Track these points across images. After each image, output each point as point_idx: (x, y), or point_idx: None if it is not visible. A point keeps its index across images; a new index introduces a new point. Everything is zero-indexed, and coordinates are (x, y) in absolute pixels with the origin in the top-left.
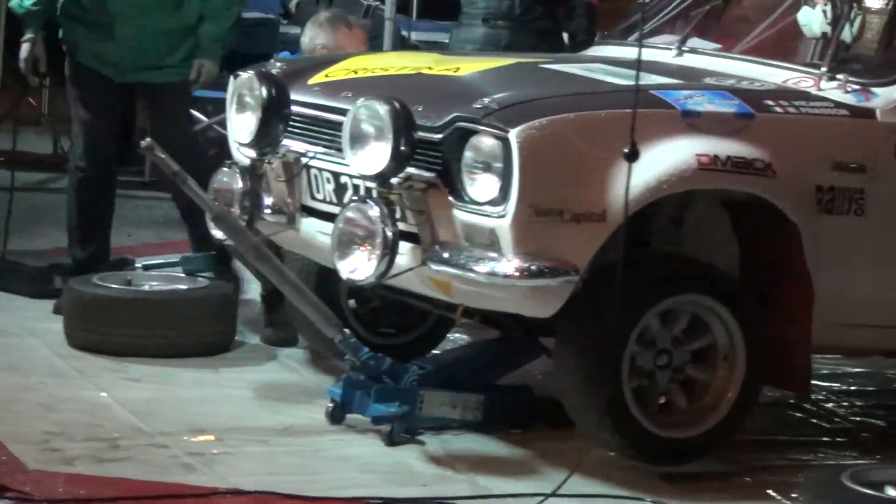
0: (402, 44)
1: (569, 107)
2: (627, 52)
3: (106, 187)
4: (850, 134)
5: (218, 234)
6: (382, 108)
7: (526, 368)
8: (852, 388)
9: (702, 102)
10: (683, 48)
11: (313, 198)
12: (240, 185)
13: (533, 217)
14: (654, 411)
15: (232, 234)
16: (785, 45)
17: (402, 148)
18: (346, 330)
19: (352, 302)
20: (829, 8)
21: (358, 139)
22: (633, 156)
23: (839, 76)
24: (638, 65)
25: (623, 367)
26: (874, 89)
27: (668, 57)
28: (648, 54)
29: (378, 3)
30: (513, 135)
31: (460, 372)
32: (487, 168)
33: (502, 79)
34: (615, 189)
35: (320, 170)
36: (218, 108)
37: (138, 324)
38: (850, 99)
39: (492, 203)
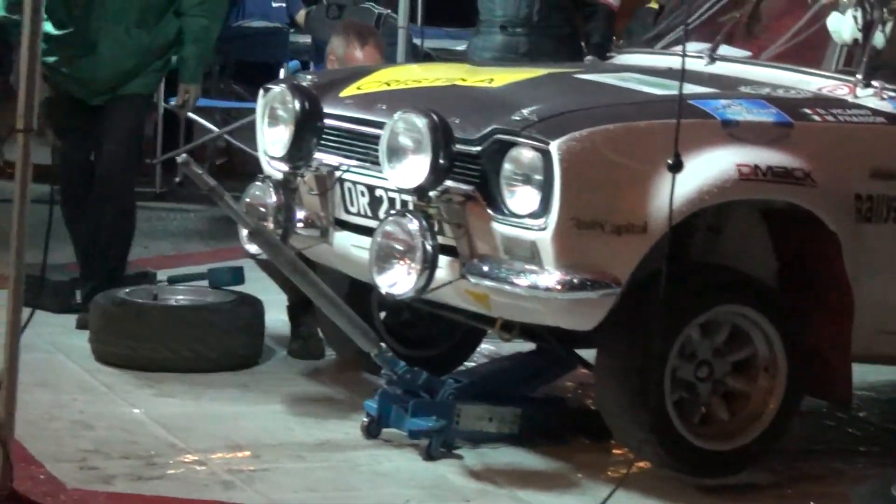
0: (413, 52)
1: (608, 118)
2: (656, 60)
3: (79, 215)
4: (888, 142)
5: (251, 248)
6: (421, 121)
7: (560, 380)
8: (884, 396)
9: (740, 112)
10: (715, 56)
11: (347, 211)
12: (273, 199)
13: (574, 229)
14: (695, 423)
15: (268, 249)
16: (813, 51)
17: (441, 161)
18: (382, 344)
19: (382, 315)
20: (859, 14)
21: (396, 152)
22: (676, 167)
23: (875, 83)
24: (682, 74)
25: (665, 380)
26: None
27: (699, 65)
28: (679, 62)
29: (390, 11)
30: (553, 147)
31: (496, 385)
32: (527, 180)
33: (537, 90)
34: (656, 200)
35: (354, 183)
36: (224, 116)
37: (167, 338)
38: (886, 106)
39: (532, 216)
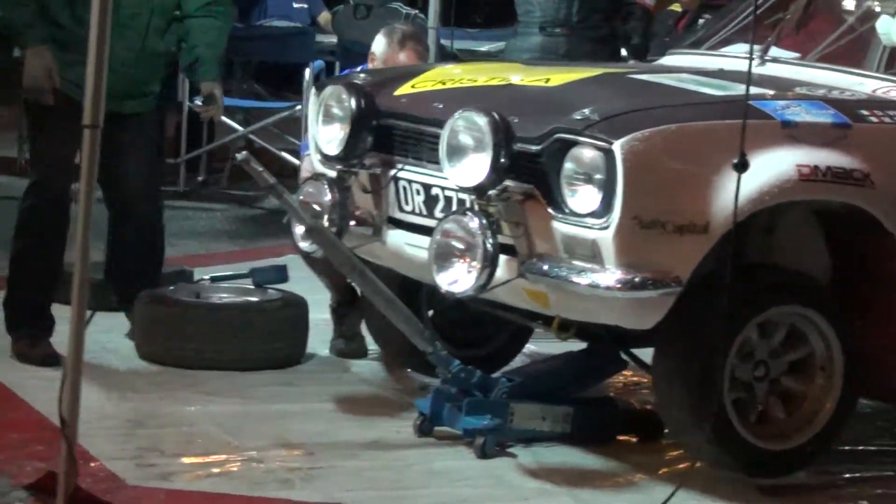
0: (441, 53)
1: (670, 118)
2: (707, 61)
3: (61, 221)
4: None
5: (305, 245)
6: (482, 120)
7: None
8: None
9: (799, 113)
10: (765, 57)
11: (401, 210)
12: (328, 196)
13: (637, 229)
14: (753, 423)
15: (326, 247)
16: (856, 54)
17: (502, 160)
18: (437, 343)
19: (430, 313)
20: None
21: (456, 151)
22: (742, 167)
23: None
24: (749, 77)
25: (724, 380)
26: None
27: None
28: (731, 64)
29: (417, 11)
30: (617, 146)
31: (549, 385)
32: (588, 179)
33: (595, 90)
34: (717, 200)
35: (410, 181)
36: (246, 116)
37: (212, 337)
38: None
39: (593, 215)
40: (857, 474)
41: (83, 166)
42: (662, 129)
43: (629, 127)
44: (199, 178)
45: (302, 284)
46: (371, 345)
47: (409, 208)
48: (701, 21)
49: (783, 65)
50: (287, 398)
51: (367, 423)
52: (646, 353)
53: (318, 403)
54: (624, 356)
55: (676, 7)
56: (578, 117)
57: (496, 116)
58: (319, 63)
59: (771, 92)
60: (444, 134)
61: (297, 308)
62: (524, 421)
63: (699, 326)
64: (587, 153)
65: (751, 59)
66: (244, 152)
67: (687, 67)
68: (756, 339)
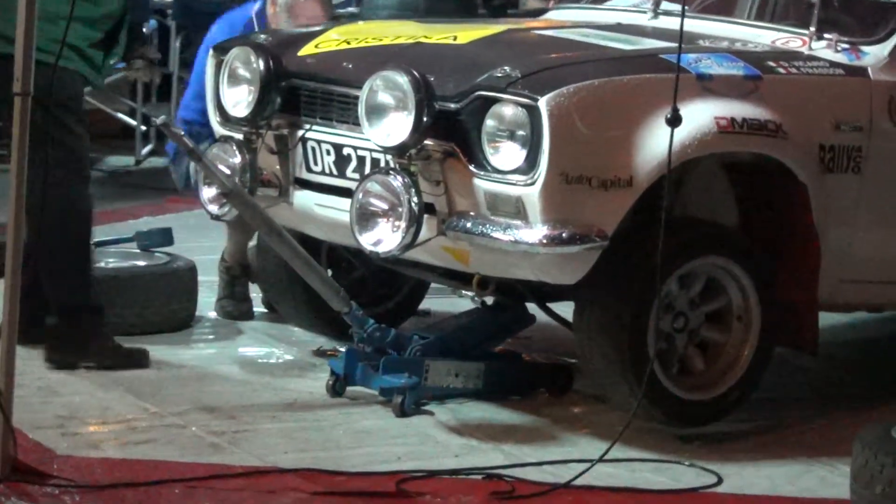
0: None
1: (591, 74)
2: (599, 15)
3: None
4: (847, 93)
5: (214, 209)
6: (402, 79)
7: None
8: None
9: (711, 66)
10: (658, 10)
11: (310, 170)
12: (237, 158)
13: (563, 184)
14: (675, 375)
15: (245, 210)
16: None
17: (425, 119)
18: (353, 303)
19: (329, 273)
20: None
21: (376, 111)
22: (675, 121)
23: (827, 35)
24: (681, 33)
25: (650, 333)
26: (864, 48)
27: (644, 20)
28: (623, 17)
29: None
30: (542, 103)
31: (461, 341)
32: (511, 136)
33: (505, 47)
34: (641, 154)
35: (319, 142)
36: None
37: (110, 303)
38: (841, 58)
39: (518, 171)
40: (779, 421)
41: (15, 134)
42: (586, 84)
43: (552, 83)
44: None
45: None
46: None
47: (318, 169)
48: None
49: (676, 18)
50: (193, 361)
51: (277, 384)
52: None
53: (224, 366)
54: (542, 311)
55: None
56: (499, 74)
57: (417, 75)
58: (153, 23)
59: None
60: (363, 94)
61: (190, 269)
62: (439, 378)
63: (624, 280)
64: (510, 110)
65: (682, 14)
66: (162, 117)
67: (584, 22)
68: (676, 291)
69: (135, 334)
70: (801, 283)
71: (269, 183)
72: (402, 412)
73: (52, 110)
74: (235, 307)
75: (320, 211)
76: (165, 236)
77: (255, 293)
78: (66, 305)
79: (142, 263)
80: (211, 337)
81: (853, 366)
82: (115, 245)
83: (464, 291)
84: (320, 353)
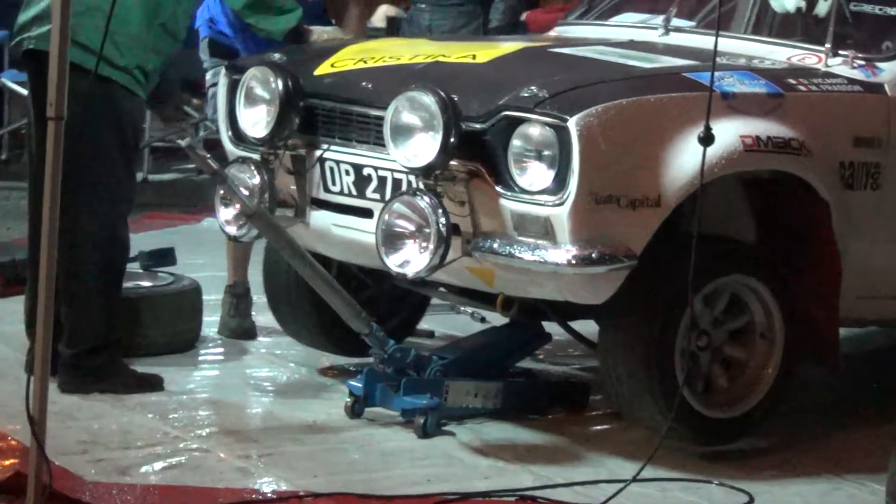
0: None
1: (619, 93)
2: (605, 32)
3: None
4: (866, 109)
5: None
6: (429, 99)
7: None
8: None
9: (734, 84)
10: (669, 27)
11: (327, 190)
12: (256, 179)
13: (592, 204)
14: (699, 393)
15: (268, 231)
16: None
17: (452, 139)
18: (374, 324)
19: None
20: None
21: (401, 131)
22: (708, 140)
23: (843, 52)
24: (714, 51)
25: (676, 351)
26: (880, 64)
27: (654, 37)
28: (635, 34)
29: None
30: (572, 123)
31: (479, 360)
32: (539, 157)
33: (526, 66)
34: (669, 173)
35: (337, 162)
36: None
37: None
38: (858, 75)
39: (546, 192)
40: (802, 437)
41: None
42: (614, 104)
43: (581, 103)
44: (2, 158)
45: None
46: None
47: (336, 189)
48: None
49: (688, 34)
50: (203, 383)
51: (295, 405)
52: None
53: (236, 388)
54: (564, 330)
55: None
56: (526, 94)
57: (443, 95)
58: None
59: (702, 63)
60: (389, 114)
61: (195, 290)
62: (459, 398)
63: (650, 299)
64: (537, 130)
65: (717, 33)
66: (188, 138)
67: (596, 39)
68: (700, 309)
69: (141, 356)
70: (822, 299)
71: (284, 203)
72: (425, 433)
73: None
74: (239, 325)
75: (337, 231)
76: (169, 256)
77: (255, 312)
78: (90, 338)
79: (147, 284)
80: (218, 358)
81: (865, 378)
82: None
83: (462, 308)
84: (330, 371)
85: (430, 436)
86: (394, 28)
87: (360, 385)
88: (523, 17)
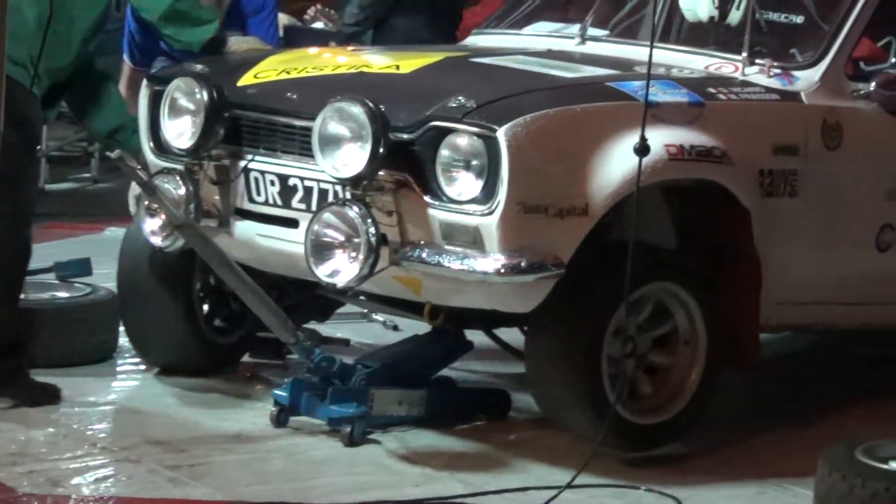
0: None
1: (545, 103)
2: (522, 41)
3: None
4: (784, 118)
5: (159, 240)
6: (357, 110)
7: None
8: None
9: (657, 93)
10: (585, 36)
11: (252, 200)
12: (182, 190)
13: (521, 214)
14: (626, 399)
15: (197, 242)
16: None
17: (381, 150)
18: (300, 333)
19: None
20: None
21: (329, 142)
22: (644, 150)
23: (760, 61)
24: (649, 62)
25: (602, 358)
26: (795, 72)
27: (571, 45)
28: (551, 43)
29: None
30: (501, 133)
31: (403, 369)
32: (467, 166)
33: (450, 76)
34: (596, 182)
35: (262, 172)
36: None
37: (34, 335)
38: (775, 83)
39: (475, 201)
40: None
41: None
42: (542, 114)
43: (509, 113)
44: None
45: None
46: None
47: (261, 199)
48: None
49: (603, 43)
50: (124, 393)
51: (219, 415)
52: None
53: (157, 397)
54: (489, 338)
55: None
56: (454, 104)
57: (372, 106)
58: None
59: (625, 73)
60: (317, 124)
61: (112, 300)
62: (384, 406)
63: (578, 307)
64: (466, 140)
65: (651, 44)
66: (117, 150)
67: (514, 48)
68: (624, 316)
69: (61, 366)
70: (743, 305)
71: (208, 213)
72: (352, 442)
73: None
74: None
75: (262, 241)
76: (84, 266)
77: None
78: None
79: (64, 295)
80: (139, 367)
81: (782, 381)
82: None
83: (374, 316)
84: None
85: (356, 444)
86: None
87: (285, 394)
88: None
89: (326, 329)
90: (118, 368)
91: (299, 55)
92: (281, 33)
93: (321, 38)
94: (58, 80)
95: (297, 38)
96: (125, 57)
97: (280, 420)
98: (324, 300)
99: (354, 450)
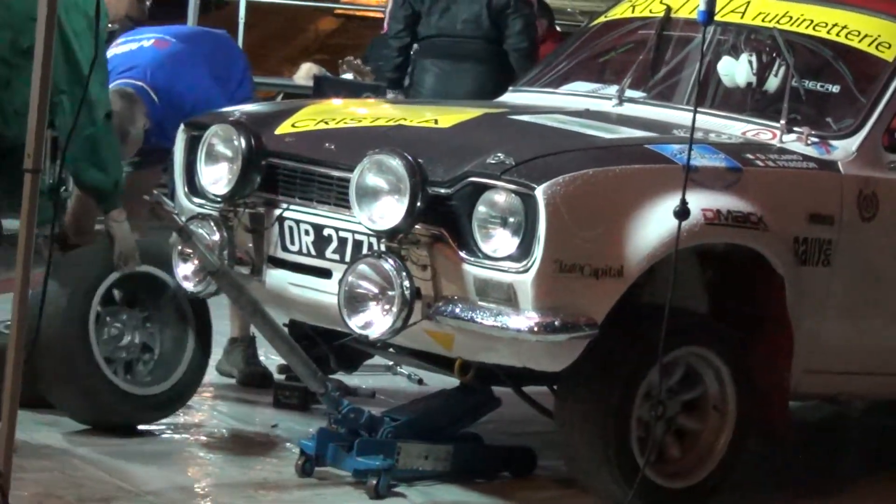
0: None
1: (584, 163)
2: (559, 100)
3: None
4: (820, 186)
5: (191, 286)
6: (396, 163)
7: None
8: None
9: (695, 157)
10: (623, 98)
11: (286, 249)
12: (216, 236)
13: (557, 272)
14: (654, 463)
15: (230, 289)
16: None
17: (419, 203)
18: (329, 384)
19: None
20: (754, 58)
21: (367, 193)
22: (684, 214)
23: (798, 129)
24: (692, 126)
25: (632, 421)
26: (833, 142)
27: (608, 106)
28: (589, 103)
29: None
30: (539, 191)
31: (430, 423)
32: (504, 223)
33: (490, 132)
34: (632, 244)
35: (297, 221)
36: None
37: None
38: (812, 151)
39: (511, 258)
40: None
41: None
42: (580, 174)
43: (548, 172)
44: None
45: None
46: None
47: (294, 248)
48: None
49: (640, 104)
50: (153, 438)
51: (244, 462)
52: None
53: (186, 444)
54: (519, 397)
55: None
56: (493, 161)
57: (410, 159)
58: None
59: (666, 136)
60: (355, 176)
61: None
62: (410, 460)
63: (609, 369)
64: (503, 197)
65: (695, 108)
66: (155, 193)
67: (551, 107)
68: (656, 379)
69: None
70: (773, 372)
71: (241, 261)
72: (377, 494)
73: None
74: (255, 371)
75: (295, 290)
76: None
77: None
78: None
79: None
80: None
81: (804, 448)
82: None
83: (399, 369)
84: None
85: (382, 497)
86: (320, 87)
87: (312, 444)
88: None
89: (352, 380)
90: None
91: (338, 106)
92: (309, 83)
93: (351, 90)
94: None
95: (327, 88)
96: None
97: (305, 470)
98: (352, 351)
99: (379, 502)
